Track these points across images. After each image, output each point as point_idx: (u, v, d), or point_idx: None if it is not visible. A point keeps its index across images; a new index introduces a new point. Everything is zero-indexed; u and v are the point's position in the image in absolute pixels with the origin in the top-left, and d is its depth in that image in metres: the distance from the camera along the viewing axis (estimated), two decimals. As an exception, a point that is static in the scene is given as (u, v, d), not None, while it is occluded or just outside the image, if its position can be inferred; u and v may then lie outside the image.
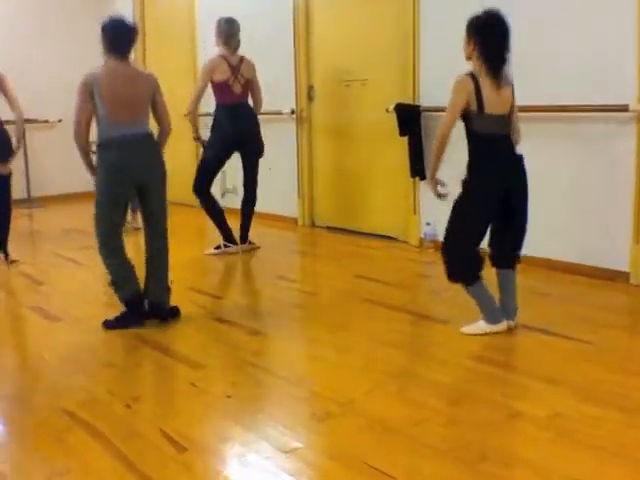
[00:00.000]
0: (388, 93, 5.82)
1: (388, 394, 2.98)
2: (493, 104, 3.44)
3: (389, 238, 6.00)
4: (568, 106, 4.56)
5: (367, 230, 6.23)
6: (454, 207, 3.55)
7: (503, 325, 3.64)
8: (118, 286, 3.91)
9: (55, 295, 4.67)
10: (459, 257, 3.58)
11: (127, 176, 3.79)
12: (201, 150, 5.79)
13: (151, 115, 3.99)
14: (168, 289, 4.03)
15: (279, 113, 6.70)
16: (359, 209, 6.35)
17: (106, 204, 3.82)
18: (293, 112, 6.69)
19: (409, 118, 5.53)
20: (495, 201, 3.49)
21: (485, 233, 3.58)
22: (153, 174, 3.91)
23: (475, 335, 3.62)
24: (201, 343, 3.72)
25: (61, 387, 3.20)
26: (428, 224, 5.58)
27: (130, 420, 2.82)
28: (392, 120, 5.61)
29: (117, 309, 4.00)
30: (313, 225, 6.81)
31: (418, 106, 5.55)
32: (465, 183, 3.53)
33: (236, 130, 5.52)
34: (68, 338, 3.82)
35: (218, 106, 5.57)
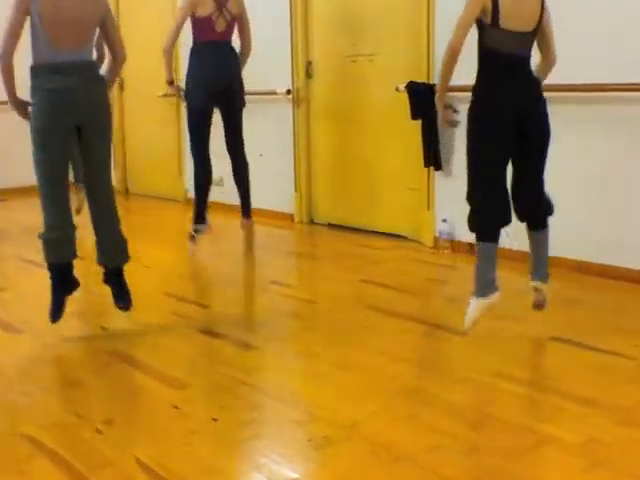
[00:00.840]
0: (399, 70, 5.83)
1: (396, 416, 2.98)
2: (512, 17, 3.44)
3: (399, 237, 6.00)
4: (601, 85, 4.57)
5: (373, 228, 6.23)
6: (466, 144, 3.64)
7: (494, 297, 3.65)
8: (49, 243, 3.85)
9: (16, 303, 4.67)
10: (480, 203, 3.60)
11: (66, 109, 3.74)
12: (183, 105, 5.74)
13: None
14: (124, 240, 4.04)
15: (273, 93, 6.71)
16: (364, 204, 6.35)
17: (43, 145, 3.76)
18: (289, 92, 6.69)
19: (423, 99, 5.53)
20: (508, 130, 3.51)
21: (505, 168, 3.60)
22: (97, 111, 3.85)
23: (475, 320, 3.67)
24: (184, 359, 3.72)
25: (21, 408, 3.19)
26: (444, 221, 5.58)
27: (101, 447, 2.82)
28: (403, 101, 5.61)
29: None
30: (312, 222, 6.81)
31: (433, 85, 5.54)
32: (471, 112, 3.57)
33: (217, 73, 5.46)
34: (30, 352, 3.82)
35: (196, 43, 5.52)
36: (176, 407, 3.11)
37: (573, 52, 4.62)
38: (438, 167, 5.56)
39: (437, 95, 3.67)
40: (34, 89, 3.77)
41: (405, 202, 5.98)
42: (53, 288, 3.92)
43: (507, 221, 3.63)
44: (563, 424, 2.88)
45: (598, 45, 4.60)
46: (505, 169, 3.61)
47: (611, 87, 4.55)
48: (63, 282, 3.92)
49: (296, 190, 6.84)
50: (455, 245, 5.56)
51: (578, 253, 4.79)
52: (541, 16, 3.53)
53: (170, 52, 5.54)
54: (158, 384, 3.37)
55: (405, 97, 5.60)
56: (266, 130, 6.78)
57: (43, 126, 3.75)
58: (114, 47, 4.00)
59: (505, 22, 3.44)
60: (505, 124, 3.52)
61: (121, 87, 8.94)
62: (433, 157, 5.56)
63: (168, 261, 5.62)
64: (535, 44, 3.61)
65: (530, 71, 3.60)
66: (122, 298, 4.10)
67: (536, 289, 3.78)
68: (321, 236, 6.45)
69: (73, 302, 4.19)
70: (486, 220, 3.62)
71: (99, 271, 4.19)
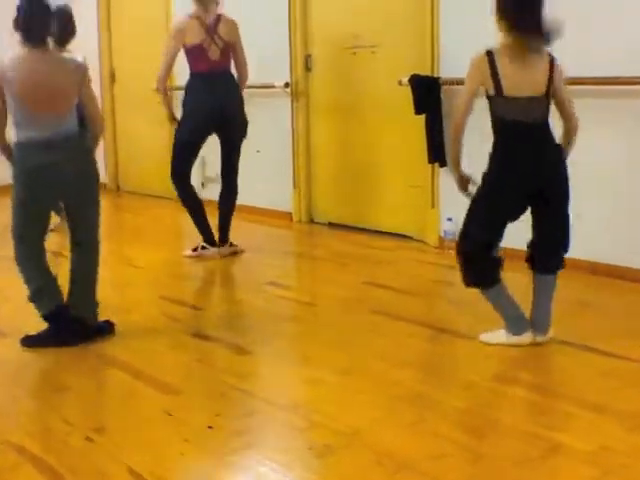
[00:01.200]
0: (402, 62, 5.83)
1: (400, 423, 2.99)
2: (516, 84, 3.45)
3: (402, 237, 6.00)
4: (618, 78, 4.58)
5: (376, 227, 6.23)
6: (471, 200, 3.64)
7: (527, 338, 3.66)
8: (37, 300, 3.91)
9: (0, 306, 4.67)
10: (472, 258, 3.64)
11: (49, 185, 3.78)
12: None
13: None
14: (95, 303, 4.02)
15: (270, 86, 6.71)
16: (366, 202, 6.35)
17: (22, 213, 3.83)
18: (287, 85, 6.69)
19: (427, 92, 5.53)
20: (516, 199, 3.54)
21: (502, 233, 3.61)
22: (84, 184, 3.89)
23: (495, 345, 3.65)
24: (177, 364, 3.72)
25: (7, 415, 3.20)
26: (449, 220, 5.58)
27: (91, 455, 2.82)
28: (407, 95, 5.61)
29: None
30: (311, 221, 6.81)
31: (438, 78, 5.55)
32: (484, 175, 3.59)
33: (213, 104, 5.42)
34: (15, 356, 3.82)
35: (192, 75, 5.52)
36: (169, 414, 3.11)
37: (588, 42, 4.62)
38: (443, 163, 5.56)
39: (452, 167, 3.69)
40: (14, 166, 3.81)
41: (409, 200, 5.98)
42: (48, 330, 3.93)
43: (494, 277, 3.64)
44: (573, 431, 2.89)
45: (614, 34, 4.61)
46: (501, 231, 3.61)
47: (628, 80, 4.55)
48: (58, 330, 3.92)
49: (295, 188, 6.83)
50: (461, 245, 5.55)
51: (590, 254, 4.79)
52: (550, 78, 3.47)
53: (164, 86, 5.54)
54: (150, 390, 3.37)
55: (408, 91, 5.60)
56: (263, 125, 6.78)
57: (25, 198, 3.80)
58: (90, 119, 3.99)
59: (510, 90, 3.44)
60: (514, 196, 3.54)
61: (112, 79, 8.95)
62: (438, 153, 5.56)
63: (160, 262, 5.62)
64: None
65: (547, 137, 3.54)
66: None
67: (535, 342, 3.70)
68: (321, 236, 6.45)
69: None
70: (483, 272, 3.66)
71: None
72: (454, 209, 5.54)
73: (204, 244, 5.62)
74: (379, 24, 6.03)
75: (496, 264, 3.63)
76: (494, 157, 3.57)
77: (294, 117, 6.75)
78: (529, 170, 3.49)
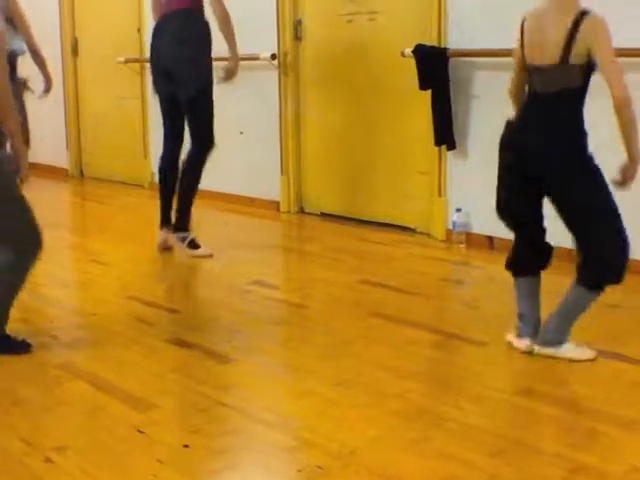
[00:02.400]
0: (405, 31, 5.83)
1: (403, 442, 2.98)
2: (533, 49, 3.46)
3: (405, 229, 6.00)
4: None
5: (375, 219, 6.24)
6: None
7: (520, 344, 3.70)
8: None
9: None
10: (514, 231, 3.71)
11: None
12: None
13: None
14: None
15: (255, 58, 6.70)
16: (364, 190, 6.35)
17: None
18: (274, 57, 6.68)
19: (433, 65, 5.54)
20: (515, 179, 3.55)
21: (518, 218, 3.65)
22: None
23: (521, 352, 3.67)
24: (149, 374, 3.71)
25: (-43, 434, 3.18)
26: (458, 210, 5.59)
27: (51, 478, 2.81)
28: (410, 68, 5.61)
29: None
30: (301, 211, 6.81)
31: (445, 49, 5.55)
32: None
33: (154, 57, 5.43)
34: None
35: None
36: (141, 431, 3.10)
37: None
38: (451, 146, 5.56)
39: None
40: None
41: (412, 188, 5.98)
42: None
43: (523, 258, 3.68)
44: (599, 451, 2.89)
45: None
46: (528, 226, 3.64)
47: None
48: None
49: (283, 174, 6.83)
50: (471, 239, 5.57)
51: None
52: (569, 42, 3.34)
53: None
54: (118, 404, 3.36)
55: (412, 63, 5.60)
56: (247, 102, 6.77)
57: None
58: None
59: (529, 55, 3.47)
60: (512, 172, 3.56)
61: (74, 51, 8.92)
62: (445, 134, 5.57)
63: (131, 258, 5.61)
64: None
65: (558, 118, 3.45)
66: None
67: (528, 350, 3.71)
68: (313, 228, 6.45)
69: (18, 305, 4.18)
70: (510, 257, 3.75)
71: (48, 272, 4.17)
72: (464, 198, 5.55)
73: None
74: (379, -13, 6.04)
75: (517, 253, 3.66)
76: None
77: (282, 93, 6.74)
78: (522, 147, 3.50)
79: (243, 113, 6.63)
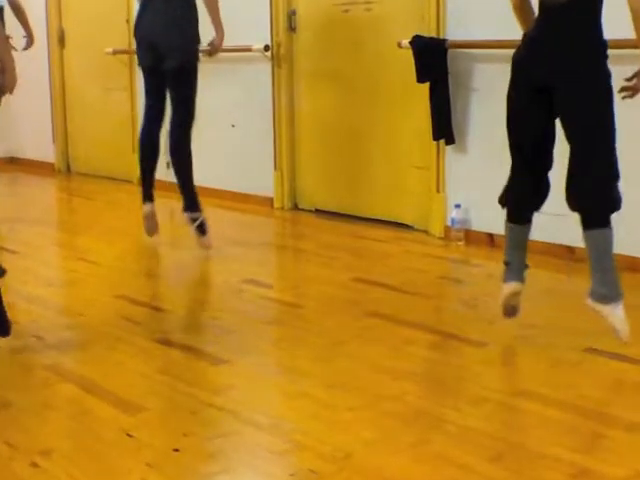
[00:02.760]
0: (402, 22, 5.83)
1: (400, 446, 2.98)
2: None
3: (402, 226, 6.00)
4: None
5: (371, 215, 6.24)
6: None
7: (508, 287, 3.76)
8: None
9: None
10: (509, 178, 3.76)
11: None
12: None
13: None
14: None
15: (247, 50, 6.69)
16: (360, 186, 6.35)
17: None
18: (267, 49, 6.68)
19: (431, 57, 5.53)
20: (523, 93, 3.59)
21: (528, 148, 3.67)
22: None
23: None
24: (138, 376, 3.70)
25: (-61, 437, 3.18)
26: (458, 207, 5.59)
27: (37, 484, 2.81)
28: (407, 60, 5.61)
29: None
30: (295, 208, 6.81)
31: (444, 40, 5.55)
32: None
33: (139, 35, 5.52)
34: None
35: None
36: (129, 435, 3.10)
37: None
38: (450, 140, 5.56)
39: None
40: None
41: (409, 183, 5.98)
42: None
43: (527, 210, 3.73)
44: (602, 454, 2.89)
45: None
46: (533, 148, 3.66)
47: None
48: None
49: (276, 169, 6.83)
50: (470, 236, 5.57)
51: (627, 247, 4.79)
52: None
53: None
54: (106, 406, 3.36)
55: (409, 55, 5.60)
56: (239, 95, 6.77)
57: None
58: None
59: None
60: (521, 88, 3.60)
61: (61, 42, 8.91)
62: (444, 128, 5.56)
63: (120, 256, 5.60)
64: None
65: (570, 24, 3.49)
66: None
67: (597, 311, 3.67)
68: (307, 225, 6.45)
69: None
70: (504, 195, 3.80)
71: (33, 270, 4.17)
72: (463, 194, 5.55)
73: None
74: (375, -23, 6.03)
75: (513, 193, 3.73)
76: None
77: (275, 86, 6.73)
78: (530, 56, 3.55)
79: (235, 106, 6.62)
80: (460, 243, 5.58)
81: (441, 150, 5.70)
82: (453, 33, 5.52)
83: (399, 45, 5.68)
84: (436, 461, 2.86)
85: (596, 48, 3.51)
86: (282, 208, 6.81)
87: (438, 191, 5.76)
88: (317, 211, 6.64)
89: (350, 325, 4.20)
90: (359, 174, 6.33)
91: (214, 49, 5.53)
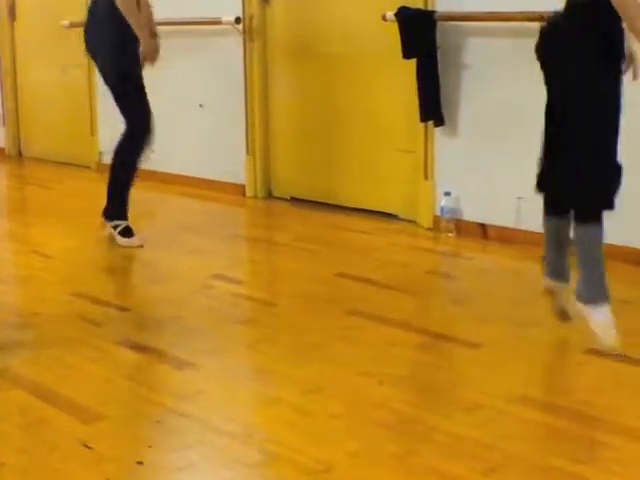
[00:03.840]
0: (386, -8, 5.82)
1: (386, 457, 2.99)
2: None
3: (387, 216, 6.01)
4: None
5: (353, 204, 6.24)
6: None
7: (545, 282, 3.79)
8: None
9: None
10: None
11: None
12: None
13: None
14: None
15: (217, 22, 6.67)
16: (340, 172, 6.35)
17: None
18: (239, 21, 6.66)
19: (418, 31, 5.54)
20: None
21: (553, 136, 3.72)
22: None
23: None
24: (98, 381, 3.70)
25: None
26: (447, 195, 5.59)
27: (-15, 501, 2.80)
28: (393, 33, 5.61)
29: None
30: (270, 196, 6.81)
31: (432, 12, 5.55)
32: None
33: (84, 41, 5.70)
34: None
35: None
36: (88, 446, 3.09)
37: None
38: (439, 122, 5.57)
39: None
40: None
41: (395, 169, 5.98)
42: None
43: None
44: (603, 464, 2.90)
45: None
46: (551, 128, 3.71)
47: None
48: None
49: (249, 153, 6.82)
50: (461, 226, 5.58)
51: (633, 240, 4.81)
52: None
53: None
54: (63, 415, 3.35)
55: (395, 28, 5.60)
56: (208, 72, 6.75)
57: None
58: None
59: None
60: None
61: (12, 14, 8.86)
62: (432, 109, 5.57)
63: (76, 249, 5.59)
64: None
65: (590, 22, 3.55)
66: None
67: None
68: (282, 215, 6.45)
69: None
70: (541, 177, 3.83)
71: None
72: (453, 181, 5.56)
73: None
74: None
75: (544, 181, 3.75)
76: None
77: (247, 62, 6.73)
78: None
79: (203, 84, 6.60)
80: (450, 234, 5.58)
81: (429, 132, 5.70)
82: (443, 4, 5.52)
83: (384, 18, 5.68)
84: (425, 474, 2.86)
85: (613, 36, 3.60)
86: (255, 196, 6.81)
87: (426, 177, 5.76)
88: (293, 199, 6.64)
89: (329, 325, 4.20)
90: (339, 159, 6.34)
91: (144, 60, 5.50)
